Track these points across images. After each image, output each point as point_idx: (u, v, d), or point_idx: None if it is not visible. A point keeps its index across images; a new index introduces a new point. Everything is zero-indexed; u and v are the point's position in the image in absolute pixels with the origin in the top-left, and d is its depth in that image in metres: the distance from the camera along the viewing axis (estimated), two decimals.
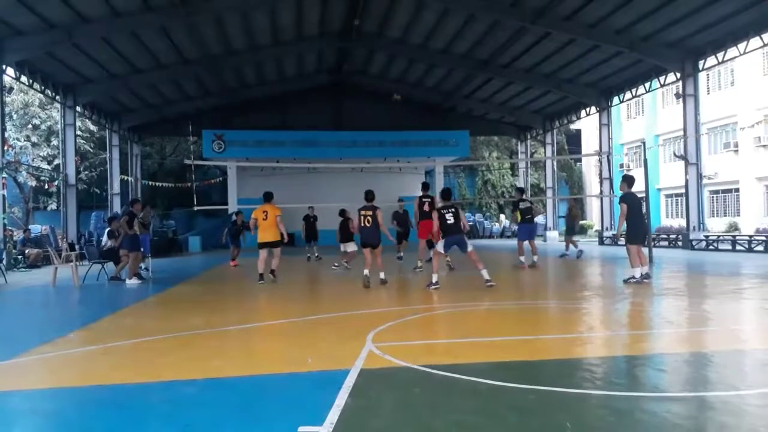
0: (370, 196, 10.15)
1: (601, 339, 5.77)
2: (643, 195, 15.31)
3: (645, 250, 10.28)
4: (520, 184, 34.69)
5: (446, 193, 9.96)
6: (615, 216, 26.15)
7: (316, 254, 17.39)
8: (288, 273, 13.04)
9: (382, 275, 9.98)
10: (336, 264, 13.60)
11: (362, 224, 9.98)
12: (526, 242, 13.66)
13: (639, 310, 7.37)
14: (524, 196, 14.47)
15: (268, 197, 11.27)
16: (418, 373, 4.28)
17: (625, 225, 9.52)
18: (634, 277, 9.37)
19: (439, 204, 9.93)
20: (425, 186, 13.55)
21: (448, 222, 9.24)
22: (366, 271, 9.81)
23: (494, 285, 9.06)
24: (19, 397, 4.06)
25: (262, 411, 3.58)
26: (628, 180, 9.75)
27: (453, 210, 9.35)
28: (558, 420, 3.28)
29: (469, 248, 9.39)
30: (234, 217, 17.17)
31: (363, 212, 9.96)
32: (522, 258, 13.14)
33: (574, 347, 5.32)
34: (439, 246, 9.41)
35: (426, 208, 12.39)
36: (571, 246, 16.18)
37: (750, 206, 26.81)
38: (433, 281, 9.13)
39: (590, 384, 4.10)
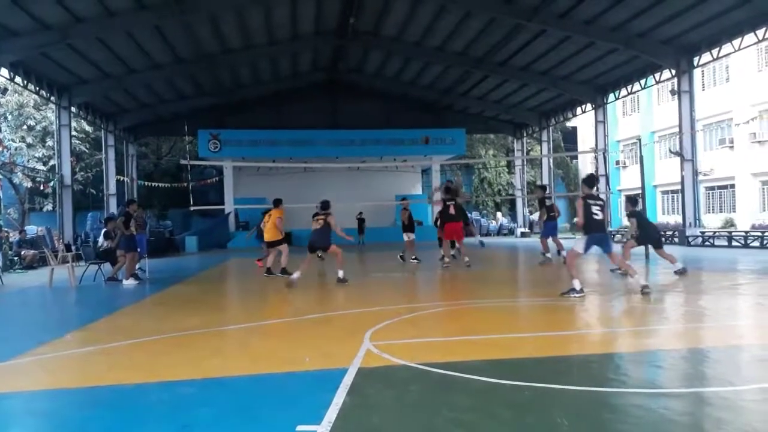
0: (325, 206, 10.26)
1: (597, 336, 5.79)
2: (640, 192, 15.46)
3: (670, 250, 11.00)
4: (516, 181, 34.74)
5: (592, 180, 8.43)
6: (613, 213, 26.50)
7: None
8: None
9: (341, 274, 9.94)
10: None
11: (314, 227, 10.08)
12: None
13: (636, 306, 7.39)
14: (547, 193, 14.33)
15: (275, 203, 12.30)
16: (415, 371, 4.29)
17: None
18: (619, 269, 9.89)
19: (585, 191, 8.21)
20: (447, 189, 13.33)
21: (595, 217, 7.79)
22: (296, 275, 9.79)
23: (650, 291, 7.82)
24: (16, 399, 4.05)
25: (261, 410, 3.58)
26: (633, 201, 10.86)
27: (601, 203, 7.94)
28: (553, 417, 3.29)
29: (613, 248, 8.17)
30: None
31: (317, 217, 10.15)
32: (548, 255, 13.20)
33: (571, 344, 5.33)
34: (579, 245, 7.97)
35: (452, 210, 12.54)
36: (552, 245, 16.16)
37: (745, 202, 26.90)
38: (576, 288, 7.70)
39: (586, 381, 4.11)
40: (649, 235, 10.54)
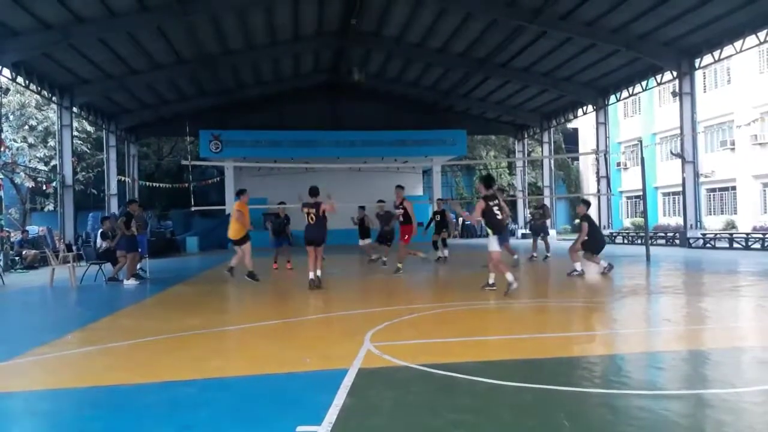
0: (314, 191, 9.52)
1: (598, 337, 5.78)
2: (641, 193, 15.51)
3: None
4: (517, 183, 34.75)
5: (489, 182, 8.56)
6: (613, 214, 26.49)
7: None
8: (285, 273, 13.04)
9: (318, 273, 9.36)
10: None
11: (307, 221, 9.43)
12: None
13: (636, 308, 7.39)
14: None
15: (237, 194, 11.65)
16: (416, 373, 4.29)
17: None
18: (576, 271, 10.54)
19: (484, 192, 8.45)
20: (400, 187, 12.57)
21: (498, 217, 8.17)
22: (311, 274, 9.40)
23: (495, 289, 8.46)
24: (17, 398, 4.05)
25: (261, 411, 3.58)
26: (586, 203, 11.35)
27: (497, 202, 8.25)
28: (555, 418, 3.29)
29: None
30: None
31: (306, 209, 9.44)
32: (535, 254, 14.66)
33: (572, 345, 5.32)
34: (494, 246, 8.20)
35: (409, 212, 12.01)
36: (541, 245, 15.92)
37: (747, 204, 26.86)
38: (510, 280, 8.05)
39: (588, 382, 4.11)
40: (597, 242, 10.79)
